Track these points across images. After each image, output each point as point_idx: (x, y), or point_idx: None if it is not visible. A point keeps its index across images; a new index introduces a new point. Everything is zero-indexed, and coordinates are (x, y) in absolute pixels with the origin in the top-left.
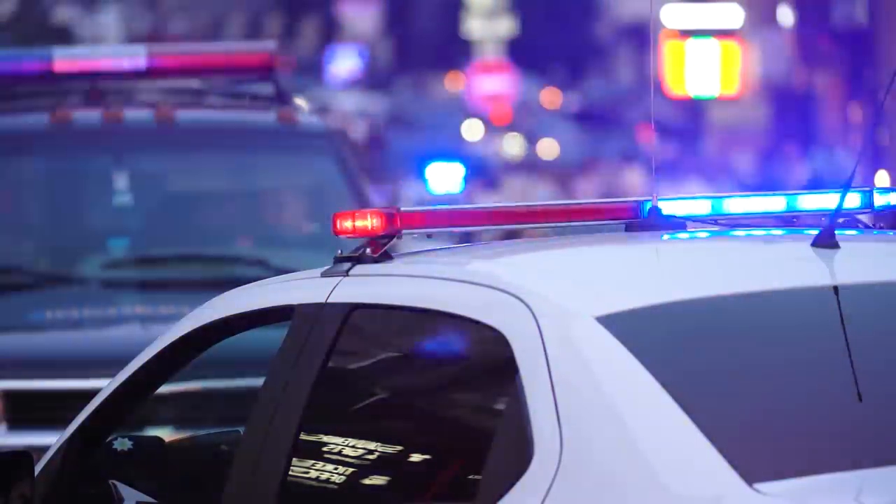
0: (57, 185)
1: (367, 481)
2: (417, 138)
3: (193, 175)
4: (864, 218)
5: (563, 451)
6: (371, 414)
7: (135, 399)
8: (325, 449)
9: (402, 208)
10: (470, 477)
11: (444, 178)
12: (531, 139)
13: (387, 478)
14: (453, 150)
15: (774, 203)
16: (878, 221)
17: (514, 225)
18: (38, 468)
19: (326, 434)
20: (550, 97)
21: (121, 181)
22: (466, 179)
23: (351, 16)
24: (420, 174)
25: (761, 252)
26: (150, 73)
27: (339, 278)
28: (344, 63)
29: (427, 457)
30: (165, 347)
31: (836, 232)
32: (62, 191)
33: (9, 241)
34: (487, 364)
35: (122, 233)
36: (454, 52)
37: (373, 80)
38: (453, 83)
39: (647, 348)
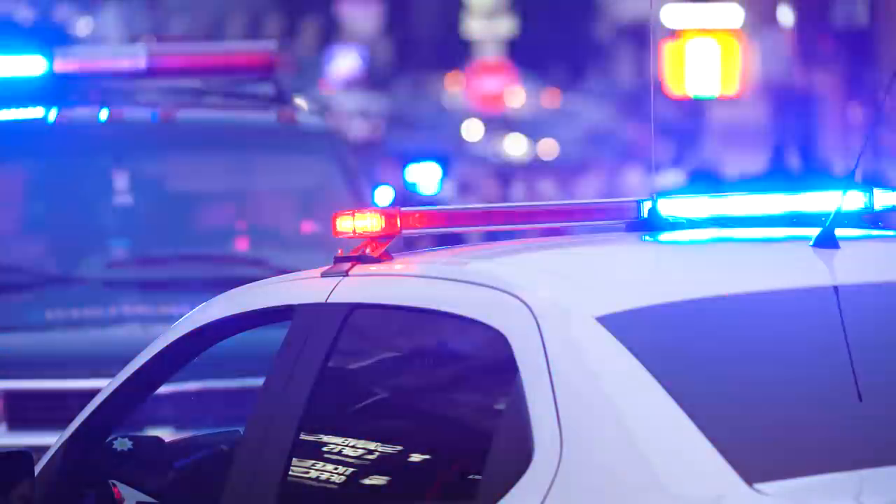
0: (57, 185)
1: (367, 481)
2: (417, 138)
3: (193, 175)
4: (864, 218)
5: (563, 451)
6: (371, 414)
7: (135, 399)
8: (325, 449)
9: (402, 208)
10: (470, 477)
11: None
12: (531, 139)
13: (387, 478)
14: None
15: (774, 203)
16: (878, 221)
17: (514, 225)
18: (38, 468)
19: (326, 434)
20: (550, 97)
21: (121, 181)
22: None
23: (351, 16)
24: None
25: (761, 252)
26: (150, 73)
27: (339, 278)
28: (344, 63)
29: (427, 457)
30: (166, 347)
31: (836, 232)
32: (62, 191)
33: (9, 241)
34: (487, 364)
35: (122, 233)
36: (454, 52)
37: (373, 80)
38: (453, 83)
39: (647, 348)
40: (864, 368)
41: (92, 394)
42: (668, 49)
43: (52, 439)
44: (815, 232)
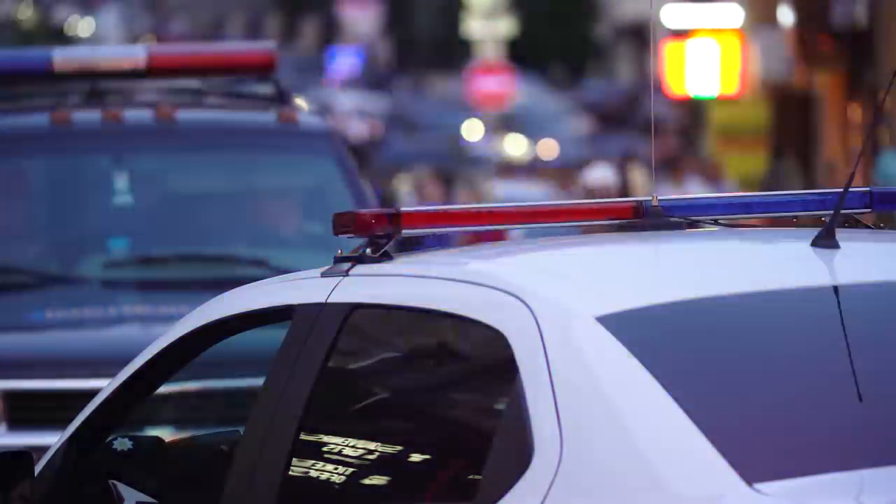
0: (57, 185)
1: (367, 481)
2: (417, 138)
3: (193, 175)
4: (864, 218)
5: (563, 451)
6: (371, 414)
7: (135, 399)
8: (325, 449)
9: (402, 208)
10: (470, 477)
11: None
12: (531, 139)
13: (387, 478)
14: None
15: (774, 203)
16: (878, 221)
17: (514, 225)
18: (38, 468)
19: (326, 434)
20: (550, 97)
21: (121, 181)
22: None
23: (351, 16)
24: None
25: (761, 252)
26: (150, 73)
27: (339, 278)
28: (344, 63)
29: (427, 457)
30: (165, 347)
31: (836, 232)
32: (62, 191)
33: (9, 241)
34: (487, 364)
35: (122, 233)
36: (454, 52)
37: (373, 80)
38: (453, 83)
39: (647, 348)
40: (864, 368)
41: (92, 394)
42: (668, 49)
43: (52, 439)
44: (815, 232)
